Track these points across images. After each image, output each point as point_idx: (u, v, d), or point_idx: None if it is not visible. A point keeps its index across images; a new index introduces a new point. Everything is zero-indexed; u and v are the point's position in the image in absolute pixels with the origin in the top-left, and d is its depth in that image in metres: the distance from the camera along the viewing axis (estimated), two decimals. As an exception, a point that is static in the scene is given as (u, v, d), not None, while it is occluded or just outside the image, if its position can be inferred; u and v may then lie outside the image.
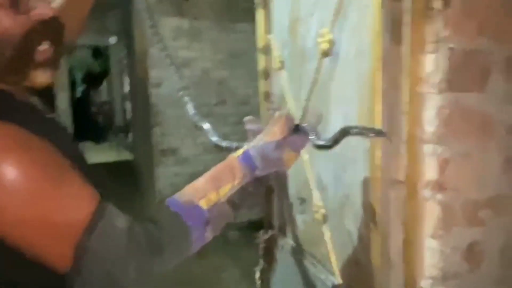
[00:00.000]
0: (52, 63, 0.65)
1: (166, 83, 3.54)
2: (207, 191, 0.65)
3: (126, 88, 7.34)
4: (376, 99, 0.80)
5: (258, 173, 0.69)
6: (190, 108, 1.11)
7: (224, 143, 0.95)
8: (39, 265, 0.55)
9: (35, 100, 0.70)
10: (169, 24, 3.57)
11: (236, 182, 0.67)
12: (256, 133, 0.74)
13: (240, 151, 0.70)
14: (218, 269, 3.23)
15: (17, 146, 0.55)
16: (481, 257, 0.78)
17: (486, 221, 0.77)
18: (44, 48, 0.62)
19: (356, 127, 0.70)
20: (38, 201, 0.54)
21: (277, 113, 0.73)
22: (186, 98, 1.14)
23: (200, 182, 0.67)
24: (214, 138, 0.99)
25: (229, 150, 0.76)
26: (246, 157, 0.69)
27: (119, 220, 0.58)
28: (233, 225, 3.76)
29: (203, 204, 0.63)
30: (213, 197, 0.65)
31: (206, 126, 1.07)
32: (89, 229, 0.55)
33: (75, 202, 0.57)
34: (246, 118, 0.81)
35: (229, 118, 3.58)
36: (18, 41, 0.59)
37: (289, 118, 0.72)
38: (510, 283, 0.80)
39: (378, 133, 0.71)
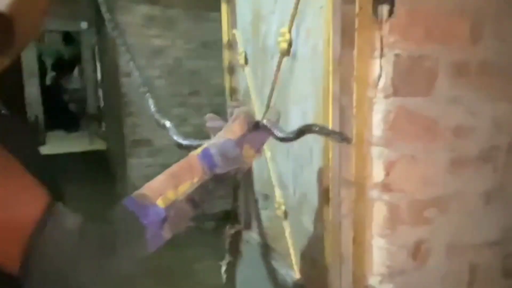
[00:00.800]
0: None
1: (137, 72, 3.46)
2: (164, 189, 0.65)
3: (99, 75, 7.17)
4: (330, 101, 0.81)
5: (218, 170, 0.68)
6: (151, 106, 1.10)
7: (184, 142, 0.94)
8: None
9: None
10: (141, 11, 3.49)
11: (195, 180, 0.66)
12: (217, 130, 0.74)
13: (199, 149, 0.70)
14: (193, 259, 3.25)
15: None
16: (427, 255, 0.81)
17: (431, 220, 0.80)
18: None
19: (320, 126, 0.69)
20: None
21: (236, 110, 0.73)
22: (147, 95, 1.13)
23: (158, 180, 0.66)
24: (175, 137, 0.99)
25: (189, 148, 0.76)
26: (206, 155, 0.68)
27: (69, 220, 0.58)
28: (208, 215, 3.78)
29: (160, 203, 0.63)
30: (170, 195, 0.64)
31: (168, 124, 1.06)
32: (38, 229, 0.54)
33: (23, 202, 0.56)
34: (207, 115, 0.81)
35: (203, 108, 3.55)
36: None
37: (248, 115, 0.72)
38: (455, 279, 0.84)
39: (342, 137, 0.67)
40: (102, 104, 7.29)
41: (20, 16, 0.83)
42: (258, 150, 0.72)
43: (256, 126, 0.72)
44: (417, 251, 0.80)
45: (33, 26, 0.91)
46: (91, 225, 0.59)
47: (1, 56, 0.65)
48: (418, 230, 0.79)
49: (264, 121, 0.72)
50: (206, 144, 0.70)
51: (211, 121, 0.78)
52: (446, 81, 0.76)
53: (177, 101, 3.64)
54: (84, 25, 7.21)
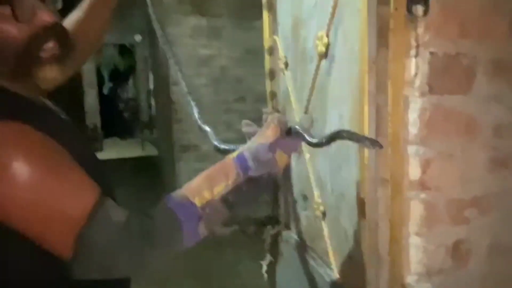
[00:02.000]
0: (58, 60, 0.71)
1: (186, 80, 3.62)
2: (201, 189, 0.70)
3: (151, 85, 7.54)
4: (366, 100, 0.83)
5: (251, 173, 0.72)
6: (195, 112, 1.17)
7: (222, 146, 0.99)
8: (42, 253, 0.62)
9: (47, 102, 0.78)
10: (189, 23, 3.66)
11: (230, 181, 0.70)
12: (252, 135, 0.78)
13: (235, 153, 0.74)
14: (235, 261, 3.31)
15: (26, 143, 0.61)
16: (467, 255, 0.80)
17: (471, 220, 0.79)
18: (49, 46, 0.68)
19: (350, 132, 0.71)
20: (43, 194, 0.61)
21: (270, 116, 0.77)
22: (192, 103, 1.20)
23: (196, 181, 0.72)
24: (214, 141, 1.04)
25: (227, 152, 0.81)
26: (240, 158, 0.73)
27: (116, 213, 0.64)
28: (249, 219, 3.84)
29: (197, 201, 0.68)
30: (206, 195, 0.69)
31: (208, 129, 1.12)
32: (89, 220, 0.61)
33: (77, 195, 0.63)
34: (244, 122, 0.86)
35: (247, 114, 3.62)
36: (23, 45, 0.65)
37: (281, 121, 0.76)
38: (497, 281, 0.82)
39: (373, 143, 0.67)
40: (154, 112, 7.65)
41: (83, 34, 0.94)
42: (291, 155, 0.75)
43: (288, 132, 0.75)
44: (456, 251, 0.79)
45: (94, 42, 1.03)
46: (134, 218, 0.65)
47: (65, 67, 0.74)
48: (457, 230, 0.78)
49: (296, 127, 0.75)
50: (241, 148, 0.75)
51: (246, 126, 0.83)
52: (485, 79, 0.75)
53: (223, 108, 3.75)
54: (138, 38, 7.64)
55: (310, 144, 0.74)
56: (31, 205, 0.61)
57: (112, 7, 0.99)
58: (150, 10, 1.28)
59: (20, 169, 0.59)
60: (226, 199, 0.70)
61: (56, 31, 0.69)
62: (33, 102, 0.72)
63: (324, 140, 0.72)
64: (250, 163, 0.72)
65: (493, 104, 0.76)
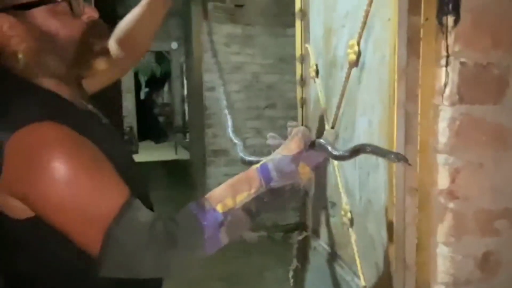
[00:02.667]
0: (107, 53, 0.78)
1: (219, 87, 3.70)
2: (224, 197, 0.71)
3: (186, 91, 7.74)
4: (395, 108, 0.84)
5: (273, 184, 0.73)
6: (229, 124, 1.21)
7: (248, 158, 1.02)
8: (73, 248, 0.66)
9: (89, 106, 0.84)
10: (224, 31, 3.74)
11: (252, 191, 0.72)
12: (276, 147, 0.79)
13: (259, 164, 0.76)
14: (263, 268, 3.32)
15: (64, 144, 0.65)
16: (497, 267, 0.78)
17: (502, 232, 0.77)
18: (103, 41, 0.76)
19: (374, 146, 0.72)
20: (76, 193, 0.65)
21: (295, 129, 0.79)
22: (228, 116, 1.24)
23: (220, 188, 0.74)
24: (241, 153, 1.06)
25: (252, 163, 0.83)
26: (264, 169, 0.74)
27: (143, 214, 0.68)
28: (279, 226, 3.84)
29: (219, 208, 0.70)
30: (229, 203, 0.70)
31: (238, 142, 1.15)
32: (116, 220, 0.64)
33: (107, 195, 0.67)
34: (269, 135, 0.87)
35: (278, 121, 3.66)
36: (79, 38, 0.72)
37: (305, 134, 0.77)
38: (529, 296, 0.79)
39: (398, 157, 0.68)
40: (187, 117, 7.83)
41: (139, 31, 1.02)
42: (314, 168, 0.77)
43: (312, 145, 0.77)
44: (485, 263, 0.77)
45: (147, 42, 1.11)
46: (159, 221, 0.68)
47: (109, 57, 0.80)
48: (486, 241, 0.77)
49: (320, 141, 0.77)
50: (265, 159, 0.76)
51: (271, 139, 0.85)
52: (519, 89, 0.74)
53: (254, 114, 3.80)
54: (174, 45, 7.87)
55: (333, 157, 0.75)
56: (65, 202, 0.65)
57: (167, 7, 1.04)
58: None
59: (58, 168, 0.64)
60: (248, 208, 0.72)
61: (101, 25, 0.76)
62: (75, 106, 0.78)
63: (347, 154, 0.73)
64: (273, 174, 0.74)
65: (527, 115, 0.75)
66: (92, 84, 0.99)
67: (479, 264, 0.78)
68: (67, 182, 0.64)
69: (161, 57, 9.84)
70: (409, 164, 0.68)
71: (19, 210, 0.68)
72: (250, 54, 3.71)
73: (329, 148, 0.75)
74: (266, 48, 3.72)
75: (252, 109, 3.81)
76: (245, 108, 3.82)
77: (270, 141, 0.84)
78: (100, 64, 0.77)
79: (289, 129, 0.82)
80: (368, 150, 0.71)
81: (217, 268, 3.20)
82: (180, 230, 0.68)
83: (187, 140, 7.58)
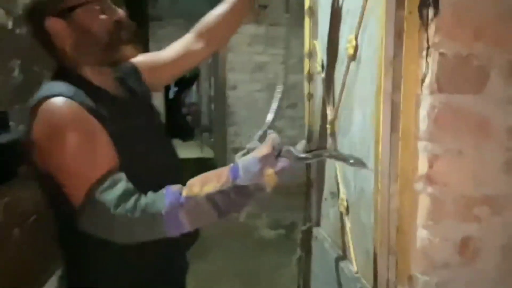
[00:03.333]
0: (133, 42, 0.96)
1: (242, 86, 3.79)
2: (193, 184, 0.82)
3: (213, 91, 7.89)
4: (381, 99, 0.88)
5: (238, 181, 0.79)
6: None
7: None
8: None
9: (114, 89, 0.99)
10: (248, 31, 3.83)
11: (218, 184, 0.79)
12: (253, 150, 0.86)
13: (235, 162, 0.83)
14: (280, 265, 3.36)
15: (76, 118, 0.84)
16: (477, 253, 0.81)
17: (482, 219, 0.80)
18: (126, 35, 0.94)
19: (332, 152, 0.84)
20: (73, 156, 0.82)
21: (269, 136, 0.86)
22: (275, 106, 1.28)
23: (195, 178, 0.83)
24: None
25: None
26: (234, 166, 0.82)
27: (122, 185, 0.81)
28: (295, 225, 3.86)
29: (184, 192, 0.80)
30: (195, 189, 0.80)
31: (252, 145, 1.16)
32: (97, 183, 0.80)
33: (95, 162, 0.83)
34: (252, 142, 0.94)
35: (298, 120, 3.70)
36: (109, 32, 0.91)
37: (275, 140, 0.83)
38: (509, 282, 0.81)
39: (357, 162, 0.78)
40: (213, 116, 7.98)
41: (222, 26, 1.22)
42: (278, 172, 0.80)
43: (280, 152, 0.82)
44: (464, 248, 0.80)
45: (225, 39, 1.32)
46: (135, 195, 0.81)
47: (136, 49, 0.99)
48: (465, 227, 0.80)
49: (289, 147, 0.82)
50: (240, 159, 0.83)
51: (251, 144, 0.91)
52: (501, 81, 0.77)
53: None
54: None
55: (297, 159, 0.81)
56: (64, 161, 0.83)
57: (250, 8, 1.24)
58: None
59: (66, 136, 0.82)
60: (213, 200, 0.79)
61: (128, 23, 0.95)
62: (103, 90, 0.95)
63: (310, 157, 0.82)
64: (240, 172, 0.80)
65: (509, 106, 0.78)
66: (169, 71, 1.20)
67: (458, 248, 0.81)
68: (70, 147, 0.82)
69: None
70: (367, 168, 0.77)
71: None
72: (273, 54, 3.78)
73: (294, 151, 0.81)
74: (290, 48, 3.78)
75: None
76: (266, 107, 3.88)
77: (249, 145, 0.90)
78: (128, 50, 0.95)
79: (268, 133, 0.89)
80: (326, 155, 0.83)
81: (234, 264, 3.28)
82: (146, 204, 0.80)
83: (212, 139, 7.73)
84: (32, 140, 0.85)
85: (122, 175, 0.84)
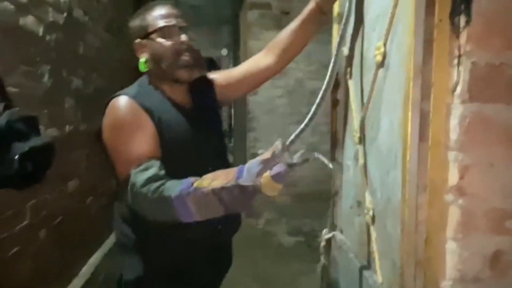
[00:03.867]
0: (190, 68, 1.13)
1: (262, 92, 3.80)
2: (204, 179, 0.93)
3: (233, 96, 7.94)
4: (410, 107, 0.86)
5: (241, 180, 0.88)
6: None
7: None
8: None
9: (182, 101, 1.17)
10: (269, 37, 3.83)
11: (225, 181, 0.89)
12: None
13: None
14: (300, 272, 3.34)
15: (125, 112, 1.07)
16: (509, 267, 0.78)
17: (515, 232, 0.77)
18: (184, 57, 1.12)
19: (317, 156, 0.93)
20: (123, 144, 1.04)
21: (276, 142, 0.93)
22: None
23: (210, 173, 0.95)
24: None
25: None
26: (241, 167, 0.92)
27: (151, 169, 0.98)
28: (316, 232, 3.83)
29: (195, 184, 0.92)
30: (205, 183, 0.91)
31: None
32: (136, 165, 0.99)
33: (138, 150, 1.02)
34: (260, 150, 1.00)
35: (319, 127, 3.67)
36: (171, 53, 1.11)
37: (277, 146, 0.91)
38: (544, 299, 0.78)
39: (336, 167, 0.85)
40: (233, 122, 8.02)
41: (292, 42, 1.35)
42: (273, 176, 0.87)
43: (281, 157, 0.89)
44: (496, 262, 0.78)
45: (295, 54, 1.44)
46: (163, 180, 0.96)
47: (195, 73, 1.16)
48: (497, 240, 0.78)
49: (284, 155, 0.89)
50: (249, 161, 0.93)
51: (261, 150, 0.98)
52: (535, 90, 0.75)
53: (295, 119, 3.84)
54: (224, 51, 8.12)
55: (288, 165, 0.88)
56: (116, 146, 1.06)
57: (320, 26, 1.33)
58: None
59: (121, 127, 1.06)
60: (219, 194, 0.89)
61: (191, 49, 1.13)
62: (171, 99, 1.14)
63: (298, 162, 0.89)
64: (244, 172, 0.89)
65: (543, 115, 0.75)
66: (240, 87, 1.34)
67: (489, 262, 0.78)
68: (118, 134, 1.05)
69: (212, 64, 10.15)
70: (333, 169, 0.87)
71: None
72: (294, 60, 3.76)
73: (287, 158, 0.88)
74: (310, 54, 3.76)
75: (294, 114, 3.86)
76: (287, 113, 3.88)
77: (259, 151, 0.97)
78: (182, 74, 1.12)
79: (276, 143, 0.94)
80: (312, 158, 0.91)
81: (253, 269, 3.27)
82: (164, 188, 0.94)
83: (232, 144, 7.76)
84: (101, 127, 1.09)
85: (157, 163, 1.00)
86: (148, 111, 1.07)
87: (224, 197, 0.89)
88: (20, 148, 1.28)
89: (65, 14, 2.18)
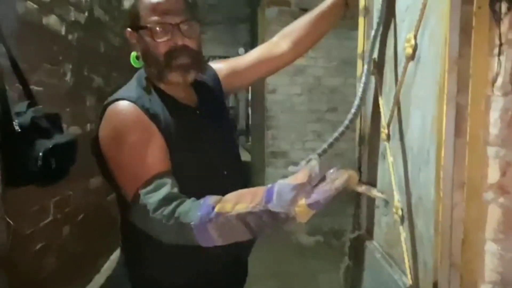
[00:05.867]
0: (184, 70, 0.99)
1: (281, 89, 3.76)
2: (227, 201, 0.82)
3: (250, 95, 7.93)
4: (445, 101, 0.82)
5: (270, 206, 0.77)
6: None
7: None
8: None
9: (185, 98, 1.05)
10: (288, 34, 3.80)
11: (251, 205, 0.79)
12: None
13: (271, 184, 0.82)
14: (317, 271, 3.30)
15: (131, 122, 0.94)
16: (554, 270, 0.73)
17: (561, 233, 0.72)
18: (179, 59, 0.97)
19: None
20: (127, 158, 0.91)
21: (312, 161, 0.83)
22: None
23: (231, 194, 0.84)
24: None
25: None
26: (270, 189, 0.80)
27: (163, 189, 0.86)
28: (335, 232, 3.78)
29: (217, 208, 0.81)
30: (227, 207, 0.80)
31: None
32: (144, 184, 0.87)
33: (146, 164, 0.90)
34: (290, 167, 0.89)
35: (338, 125, 3.61)
36: (163, 55, 0.97)
37: (313, 168, 0.79)
38: None
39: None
40: (250, 121, 8.01)
41: (305, 36, 1.28)
42: (310, 205, 0.76)
43: (318, 180, 0.78)
44: (540, 264, 0.73)
45: (302, 51, 1.35)
46: (176, 200, 0.85)
47: (190, 75, 1.03)
48: (542, 241, 0.73)
49: (313, 176, 0.77)
50: (278, 181, 0.81)
51: (291, 167, 0.87)
52: None
53: (315, 117, 3.80)
54: (241, 50, 8.11)
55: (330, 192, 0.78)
56: (119, 160, 0.92)
57: (338, 17, 1.25)
58: None
59: (123, 138, 0.92)
60: (244, 219, 0.79)
61: (186, 50, 0.98)
62: (173, 98, 1.02)
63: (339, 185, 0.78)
64: (274, 196, 0.78)
65: None
66: (250, 74, 1.22)
67: (532, 265, 0.73)
68: (120, 145, 0.91)
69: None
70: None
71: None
72: (313, 57, 3.72)
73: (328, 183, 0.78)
74: (330, 51, 3.71)
75: (313, 112, 3.82)
76: (306, 111, 3.83)
77: (290, 169, 0.86)
78: (174, 77, 0.99)
79: (306, 160, 0.86)
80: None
81: (271, 266, 3.25)
82: (180, 213, 0.83)
83: (249, 143, 7.75)
84: (98, 135, 0.96)
85: (168, 180, 0.88)
86: (153, 117, 0.94)
87: (251, 222, 0.79)
88: (44, 145, 1.30)
89: (86, 14, 2.20)
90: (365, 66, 1.17)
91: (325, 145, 1.03)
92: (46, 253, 1.69)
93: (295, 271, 3.31)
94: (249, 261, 1.26)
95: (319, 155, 0.96)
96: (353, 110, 1.11)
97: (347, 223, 3.54)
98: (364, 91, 1.13)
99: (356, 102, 1.13)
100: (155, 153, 0.91)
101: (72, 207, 1.96)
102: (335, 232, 3.82)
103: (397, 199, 1.14)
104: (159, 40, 0.96)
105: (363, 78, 1.14)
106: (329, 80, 3.76)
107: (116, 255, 2.54)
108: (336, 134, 1.07)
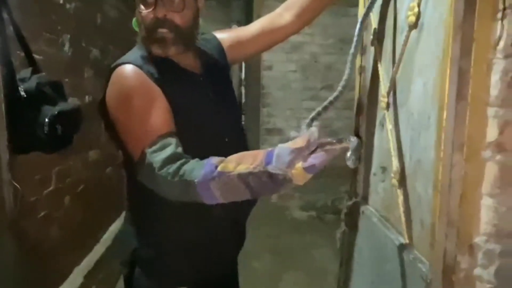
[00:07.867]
0: (166, 42, 1.01)
1: (277, 66, 3.77)
2: (229, 162, 0.86)
3: (243, 74, 7.88)
4: (448, 65, 0.86)
5: (270, 168, 0.80)
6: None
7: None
8: None
9: (187, 62, 1.09)
10: (284, 10, 3.78)
11: (252, 166, 0.82)
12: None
13: (272, 148, 0.85)
14: (312, 245, 3.40)
15: (134, 83, 0.98)
16: (545, 222, 0.79)
17: (553, 187, 0.77)
18: (161, 31, 1.00)
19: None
20: (133, 120, 0.96)
21: (312, 128, 0.86)
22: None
23: (234, 155, 0.88)
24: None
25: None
26: (269, 152, 0.83)
27: (168, 148, 0.90)
28: (328, 207, 3.86)
29: (220, 167, 0.85)
30: (230, 167, 0.85)
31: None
32: (150, 144, 0.92)
33: (151, 125, 0.94)
34: (291, 132, 0.91)
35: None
36: (148, 26, 1.01)
37: (313, 134, 0.82)
38: None
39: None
40: (243, 100, 7.99)
41: (295, 17, 1.27)
42: (306, 168, 0.79)
43: (315, 146, 0.81)
44: (532, 217, 0.78)
45: (305, 23, 1.32)
46: (181, 160, 0.89)
47: (174, 48, 1.05)
48: (534, 196, 0.78)
49: (312, 141, 0.80)
50: (279, 145, 0.84)
51: (293, 132, 0.89)
52: None
53: (310, 95, 3.82)
54: (234, 27, 8.04)
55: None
56: (126, 122, 0.96)
57: None
58: None
59: (130, 100, 0.96)
60: (245, 180, 0.83)
61: (168, 23, 1.00)
62: (176, 64, 1.06)
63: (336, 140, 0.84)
64: (274, 158, 0.81)
65: None
66: (253, 45, 1.24)
67: (525, 217, 0.79)
68: (127, 108, 0.96)
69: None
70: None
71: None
72: (310, 33, 3.72)
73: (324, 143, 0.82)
74: (327, 28, 3.71)
75: (308, 90, 3.84)
76: (301, 88, 3.85)
77: (291, 134, 0.88)
78: (156, 48, 1.02)
79: (307, 125, 0.89)
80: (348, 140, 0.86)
81: (267, 242, 3.33)
82: (185, 171, 0.87)
83: (243, 121, 7.75)
84: (105, 99, 1.00)
85: (173, 140, 0.92)
86: (158, 82, 0.98)
87: (251, 182, 0.82)
88: (49, 111, 1.31)
89: (83, -17, 2.16)
90: (358, 26, 1.21)
91: (319, 108, 1.07)
92: (49, 222, 1.72)
93: (290, 245, 3.40)
94: (245, 238, 1.29)
95: (313, 118, 0.99)
96: (347, 71, 1.18)
97: (340, 200, 3.61)
98: (355, 52, 1.16)
99: (349, 62, 1.19)
100: (160, 114, 0.95)
101: (72, 178, 1.98)
102: (327, 208, 3.91)
103: (396, 165, 1.19)
104: (142, 11, 1.01)
105: (355, 38, 1.18)
106: (325, 57, 3.77)
107: (115, 226, 2.58)
108: (330, 98, 1.12)
